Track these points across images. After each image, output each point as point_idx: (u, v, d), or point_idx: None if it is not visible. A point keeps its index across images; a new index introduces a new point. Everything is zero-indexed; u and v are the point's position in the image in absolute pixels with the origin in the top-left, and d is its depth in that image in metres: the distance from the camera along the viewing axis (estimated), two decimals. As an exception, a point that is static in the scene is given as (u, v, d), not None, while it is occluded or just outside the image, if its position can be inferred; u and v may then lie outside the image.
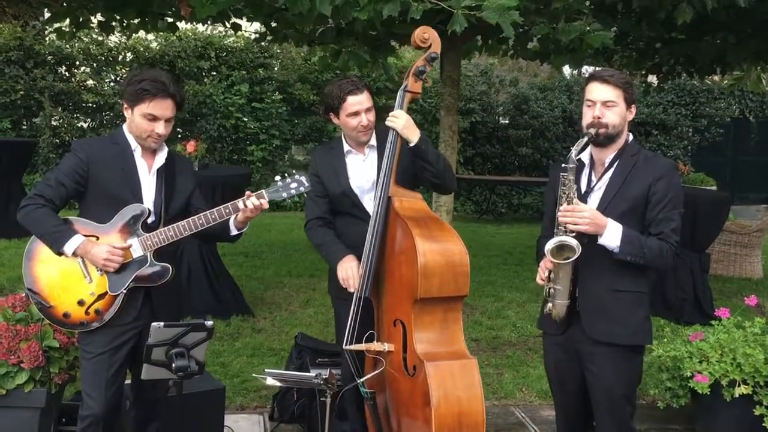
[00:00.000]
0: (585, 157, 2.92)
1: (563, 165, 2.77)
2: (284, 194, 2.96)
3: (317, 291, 6.83)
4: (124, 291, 2.84)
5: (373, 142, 3.37)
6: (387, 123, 3.16)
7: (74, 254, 2.79)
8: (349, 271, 3.16)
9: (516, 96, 13.22)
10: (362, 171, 3.39)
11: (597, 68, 2.97)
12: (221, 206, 2.88)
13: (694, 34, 6.46)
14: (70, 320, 2.86)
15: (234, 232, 3.03)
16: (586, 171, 2.92)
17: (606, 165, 2.86)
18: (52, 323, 2.99)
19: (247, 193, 2.93)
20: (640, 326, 2.86)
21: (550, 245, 2.73)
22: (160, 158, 2.98)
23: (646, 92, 8.98)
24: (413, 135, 3.16)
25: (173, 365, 2.54)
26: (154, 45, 11.69)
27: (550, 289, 2.84)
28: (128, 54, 11.67)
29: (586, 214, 2.70)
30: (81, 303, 2.84)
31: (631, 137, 2.90)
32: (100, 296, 2.84)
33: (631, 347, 2.87)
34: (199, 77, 11.83)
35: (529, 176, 12.95)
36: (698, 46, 6.09)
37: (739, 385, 3.87)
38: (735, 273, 8.45)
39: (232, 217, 2.96)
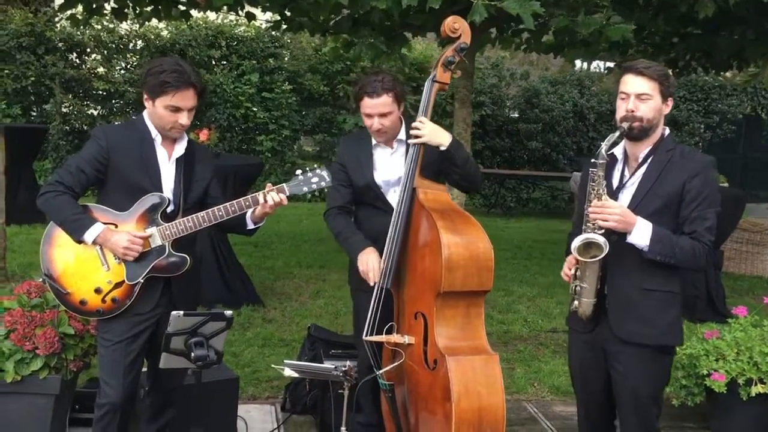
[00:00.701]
0: (618, 151, 2.85)
1: (592, 160, 2.72)
2: (305, 188, 2.92)
3: (327, 282, 6.81)
4: (141, 281, 2.81)
5: (402, 136, 3.33)
6: (411, 141, 3.12)
7: (94, 242, 2.76)
8: (370, 263, 3.12)
9: (527, 89, 13.14)
10: (389, 164, 3.35)
11: (621, 61, 2.87)
12: (241, 198, 2.85)
13: (711, 28, 6.40)
14: (86, 308, 2.84)
15: (251, 226, 3.00)
16: (619, 166, 2.85)
17: (640, 160, 2.78)
18: (69, 310, 2.97)
19: (268, 185, 2.89)
20: (671, 327, 2.79)
21: (576, 243, 2.68)
22: (180, 147, 2.94)
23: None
24: (443, 140, 3.13)
25: (192, 354, 2.51)
26: (164, 33, 11.64)
27: (576, 286, 2.79)
28: (139, 42, 11.61)
29: (616, 211, 2.63)
30: (98, 291, 2.81)
31: (667, 131, 2.81)
32: (117, 285, 2.81)
33: (660, 348, 2.80)
34: (209, 66, 11.77)
35: (538, 170, 12.89)
36: (716, 41, 6.02)
37: (756, 384, 3.84)
38: (746, 271, 8.41)
39: (249, 211, 2.93)
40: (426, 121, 3.14)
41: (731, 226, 6.40)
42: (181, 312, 2.50)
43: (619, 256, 2.72)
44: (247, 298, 5.94)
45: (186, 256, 2.86)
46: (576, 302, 2.81)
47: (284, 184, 2.90)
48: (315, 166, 3.00)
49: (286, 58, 12.36)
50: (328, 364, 2.96)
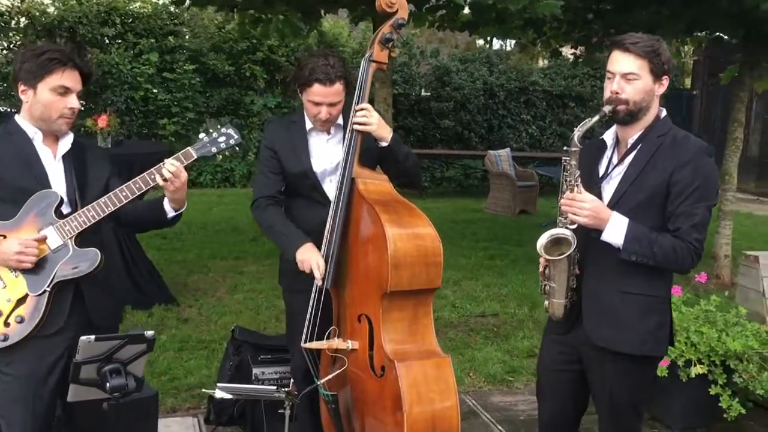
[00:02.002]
0: (609, 136, 2.58)
1: (564, 148, 2.46)
2: (214, 149, 2.60)
3: (245, 275, 6.43)
4: (48, 289, 2.40)
5: (340, 120, 3.03)
6: (356, 128, 2.83)
7: None
8: (314, 260, 2.81)
9: (437, 68, 13.01)
10: (325, 151, 3.05)
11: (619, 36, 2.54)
12: (145, 173, 2.48)
13: (625, 5, 6.38)
14: None
15: (171, 213, 2.62)
16: (608, 153, 2.57)
17: (629, 146, 2.50)
18: None
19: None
20: (651, 335, 2.48)
21: (543, 239, 2.45)
22: (65, 144, 2.55)
23: (574, 64, 8.93)
24: (386, 134, 2.88)
25: (108, 384, 2.14)
26: (51, 10, 10.76)
27: (545, 285, 2.58)
28: (22, 19, 10.69)
29: (587, 205, 2.38)
30: None
31: (663, 113, 2.49)
32: (20, 301, 2.38)
33: (640, 357, 2.50)
34: (103, 45, 10.99)
35: (451, 149, 12.82)
36: (631, 19, 5.99)
37: (695, 365, 3.80)
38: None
39: (166, 199, 2.57)
40: (370, 108, 2.86)
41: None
42: (92, 336, 2.11)
43: (596, 254, 2.48)
44: (159, 297, 5.49)
45: (95, 249, 2.46)
46: (546, 302, 2.60)
47: (189, 148, 2.56)
48: (218, 125, 2.66)
49: (187, 36, 11.69)
50: (268, 386, 2.62)
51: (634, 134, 2.48)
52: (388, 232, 2.66)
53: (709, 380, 3.79)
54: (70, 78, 2.40)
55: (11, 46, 10.72)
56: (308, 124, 3.05)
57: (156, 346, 4.62)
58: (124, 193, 2.44)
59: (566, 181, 2.45)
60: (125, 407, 2.87)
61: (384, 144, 2.88)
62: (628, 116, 2.43)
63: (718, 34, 7.38)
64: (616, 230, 2.39)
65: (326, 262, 2.82)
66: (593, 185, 2.50)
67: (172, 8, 11.59)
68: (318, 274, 2.80)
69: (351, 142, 2.87)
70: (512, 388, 4.43)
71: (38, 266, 2.39)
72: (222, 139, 2.60)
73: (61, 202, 2.43)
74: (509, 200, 10.27)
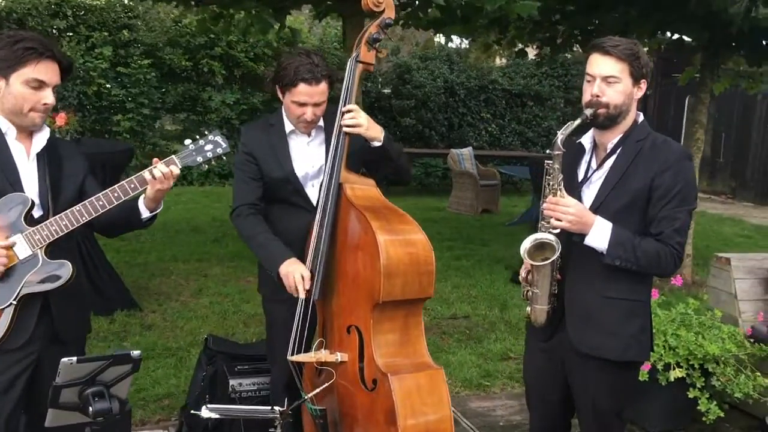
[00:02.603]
0: (587, 140, 2.55)
1: (547, 151, 2.42)
2: (200, 158, 2.44)
3: (209, 278, 6.24)
4: (14, 302, 2.23)
5: (321, 122, 2.92)
6: (346, 130, 2.72)
7: None
8: (297, 273, 2.69)
9: (398, 65, 12.93)
10: (307, 154, 2.94)
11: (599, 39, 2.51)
12: (124, 181, 2.32)
13: (591, 6, 6.39)
14: None
15: (146, 214, 2.47)
16: (586, 157, 2.54)
17: (608, 151, 2.47)
18: None
19: (155, 160, 2.39)
20: (635, 339, 2.46)
21: (526, 244, 2.39)
22: (40, 140, 2.37)
23: (539, 65, 8.95)
24: (377, 133, 2.77)
25: (90, 409, 1.99)
26: (-2, 0, 10.32)
27: (527, 291, 2.52)
28: (-34, 9, 10.23)
29: (571, 210, 2.34)
30: None
31: (641, 118, 2.49)
32: None
33: (623, 363, 2.49)
34: (53, 39, 10.56)
35: (412, 147, 12.76)
36: (600, 19, 6.01)
37: (674, 369, 3.81)
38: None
39: (142, 198, 2.41)
40: (358, 109, 2.75)
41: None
42: (74, 358, 1.96)
43: (579, 259, 2.45)
44: (120, 302, 5.27)
45: (66, 261, 2.30)
46: (528, 308, 2.54)
47: (173, 156, 2.41)
48: (206, 132, 2.52)
49: (141, 30, 11.34)
50: (261, 406, 2.47)
51: (613, 138, 2.46)
52: (380, 240, 2.56)
53: (687, 383, 3.80)
54: (46, 70, 2.23)
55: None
56: (288, 127, 2.93)
57: (120, 355, 4.48)
58: (100, 202, 2.28)
59: (549, 185, 2.41)
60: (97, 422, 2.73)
61: (377, 144, 2.78)
62: (608, 120, 2.41)
63: (679, 36, 7.49)
64: (599, 235, 2.36)
65: (314, 271, 2.71)
66: (573, 189, 2.46)
67: (126, 0, 11.25)
68: (301, 288, 2.68)
69: (338, 144, 2.76)
70: (489, 392, 4.38)
71: (4, 277, 2.23)
72: (209, 147, 2.44)
73: (32, 206, 2.26)
74: (472, 199, 10.26)
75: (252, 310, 5.43)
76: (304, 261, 2.77)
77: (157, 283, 6.02)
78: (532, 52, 13.88)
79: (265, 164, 2.88)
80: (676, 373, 3.79)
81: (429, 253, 2.68)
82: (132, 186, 2.31)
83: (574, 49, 7.64)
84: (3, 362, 2.27)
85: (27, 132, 2.33)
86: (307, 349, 2.78)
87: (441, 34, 8.39)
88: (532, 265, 2.43)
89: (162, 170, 2.33)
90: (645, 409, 3.98)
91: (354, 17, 5.62)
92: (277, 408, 2.37)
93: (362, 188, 2.81)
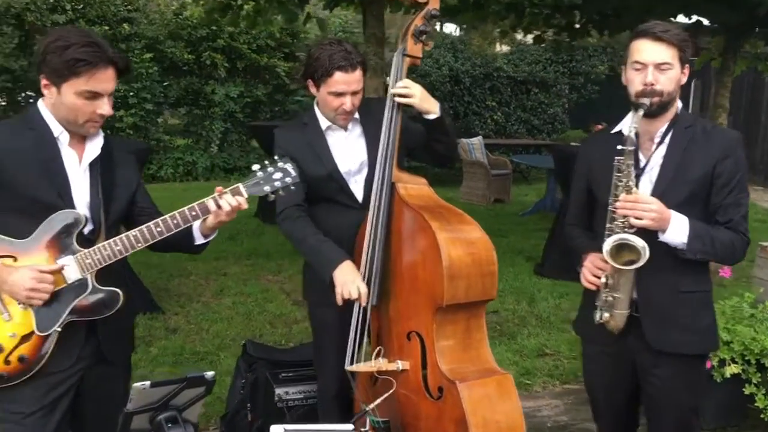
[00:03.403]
0: (626, 129, 2.38)
1: (619, 147, 2.27)
2: (267, 188, 2.25)
3: (228, 276, 6.09)
4: (58, 329, 2.08)
5: (356, 114, 2.78)
6: (398, 100, 2.60)
7: None
8: (353, 286, 2.55)
9: (402, 54, 12.73)
10: (347, 149, 2.80)
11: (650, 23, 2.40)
12: (185, 208, 2.16)
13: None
14: None
15: (200, 240, 2.32)
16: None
17: (656, 141, 2.36)
18: None
19: (218, 189, 2.23)
20: (708, 330, 2.43)
21: (609, 245, 2.25)
22: (94, 146, 2.19)
23: (556, 51, 8.78)
24: (433, 106, 2.66)
25: (163, 436, 1.85)
26: (-5, -5, 10.09)
27: (607, 297, 2.37)
28: (-37, 5, 10.00)
29: (653, 207, 2.21)
30: None
31: (680, 105, 2.40)
32: (25, 338, 2.06)
33: (699, 356, 2.47)
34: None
35: (418, 137, 12.60)
36: (621, 2, 5.84)
37: (729, 365, 3.68)
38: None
39: (197, 222, 2.26)
40: (411, 82, 2.63)
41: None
42: (147, 383, 1.81)
43: (651, 256, 2.28)
44: (142, 305, 5.11)
45: (117, 290, 2.14)
46: (606, 314, 2.38)
47: (240, 185, 2.24)
48: (275, 158, 2.35)
49: (142, 23, 11.13)
50: (344, 425, 2.29)
51: (660, 126, 2.36)
52: (441, 241, 2.43)
53: (742, 379, 3.68)
54: (100, 80, 2.04)
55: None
56: (323, 123, 2.80)
57: (147, 360, 4.35)
58: (158, 229, 2.12)
59: (621, 182, 2.28)
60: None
61: (432, 116, 2.66)
62: (660, 108, 2.31)
63: (697, 19, 7.33)
64: (678, 230, 2.26)
65: (369, 276, 2.57)
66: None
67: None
68: (363, 300, 2.55)
69: (389, 140, 2.63)
70: (531, 391, 4.25)
71: (51, 301, 2.07)
72: (278, 176, 2.25)
73: (86, 222, 2.10)
74: (484, 189, 10.12)
75: (277, 309, 5.29)
76: (356, 262, 2.63)
77: (176, 284, 5.86)
78: (531, 38, 13.75)
79: (306, 164, 2.72)
80: (731, 369, 3.66)
81: (491, 252, 2.55)
82: (193, 214, 2.15)
83: (591, 34, 7.47)
84: (46, 384, 2.12)
85: (79, 137, 2.17)
86: (357, 357, 2.64)
87: (452, 23, 8.16)
88: (617, 268, 2.28)
89: (230, 202, 2.17)
90: (700, 407, 3.85)
91: (373, 4, 5.44)
92: (352, 425, 2.22)
93: (415, 187, 2.69)
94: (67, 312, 2.09)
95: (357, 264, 2.62)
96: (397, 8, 5.62)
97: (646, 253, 2.21)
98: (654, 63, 2.27)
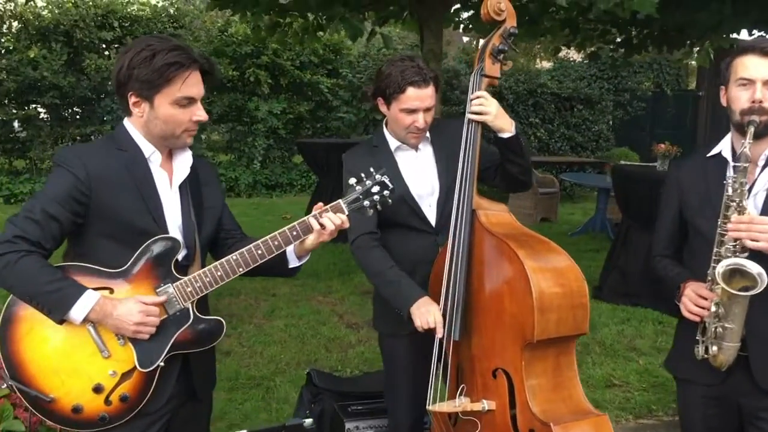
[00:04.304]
0: (726, 151, 2.28)
1: (733, 164, 2.12)
2: (366, 203, 2.12)
3: (279, 297, 5.98)
4: (161, 364, 1.96)
5: (426, 133, 2.66)
6: (473, 117, 2.46)
7: (86, 320, 1.89)
8: (431, 316, 2.41)
9: (446, 70, 12.61)
10: (417, 171, 2.68)
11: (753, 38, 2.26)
12: (285, 228, 2.04)
13: (674, 3, 6.04)
14: (83, 416, 1.93)
15: (294, 263, 2.19)
16: (730, 171, 2.25)
17: (763, 162, 2.21)
18: (56, 423, 1.98)
19: (318, 205, 2.10)
20: None
21: (722, 268, 2.08)
22: (183, 166, 2.07)
23: (612, 67, 8.58)
24: (507, 124, 2.51)
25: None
26: (45, 13, 10.22)
27: (717, 328, 2.18)
28: (14, 23, 10.14)
29: None
30: (98, 389, 1.93)
31: None
32: (126, 375, 1.94)
33: None
34: (101, 50, 10.47)
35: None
36: (695, 17, 5.64)
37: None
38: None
39: (292, 244, 2.12)
40: (488, 95, 2.49)
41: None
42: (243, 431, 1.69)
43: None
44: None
45: (220, 319, 2.05)
46: (713, 348, 2.19)
47: (340, 201, 2.10)
48: (371, 170, 2.20)
49: (188, 40, 11.19)
50: None
51: (766, 148, 2.20)
52: (530, 271, 2.27)
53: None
54: (193, 83, 1.93)
55: (2, 51, 10.16)
56: (392, 144, 2.68)
57: (202, 385, 4.23)
58: (259, 251, 2.00)
59: (734, 202, 2.12)
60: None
61: (507, 135, 2.52)
62: (767, 128, 2.15)
63: (761, 33, 7.09)
64: None
65: (451, 310, 2.42)
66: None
67: (171, 11, 11.13)
68: (439, 329, 2.41)
69: (468, 164, 2.48)
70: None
71: (152, 335, 1.95)
72: (376, 189, 2.11)
73: (181, 247, 1.99)
74: (530, 208, 9.91)
75: (330, 333, 5.15)
76: (433, 293, 2.49)
77: (226, 304, 5.77)
78: (574, 54, 13.51)
79: None
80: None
81: (582, 283, 2.38)
82: (294, 234, 2.03)
83: (649, 50, 7.26)
84: (136, 427, 2.00)
85: (168, 154, 2.06)
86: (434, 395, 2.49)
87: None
88: (730, 295, 2.10)
89: (333, 219, 2.04)
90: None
91: (429, 21, 5.33)
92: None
93: (496, 214, 2.53)
94: (170, 344, 1.97)
95: (435, 296, 2.48)
96: (449, 23, 5.49)
97: (763, 279, 2.03)
98: (763, 79, 2.14)
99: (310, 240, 2.08)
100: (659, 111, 15.01)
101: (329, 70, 12.04)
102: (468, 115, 2.49)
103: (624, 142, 13.77)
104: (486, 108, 2.46)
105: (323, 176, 8.34)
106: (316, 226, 2.03)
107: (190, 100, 1.94)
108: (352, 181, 2.12)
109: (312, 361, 4.67)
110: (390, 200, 2.12)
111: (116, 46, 10.61)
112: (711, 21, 5.52)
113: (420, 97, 2.52)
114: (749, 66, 2.17)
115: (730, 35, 7.09)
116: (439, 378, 2.48)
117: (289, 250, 2.13)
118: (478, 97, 2.47)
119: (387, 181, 2.12)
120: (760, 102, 2.13)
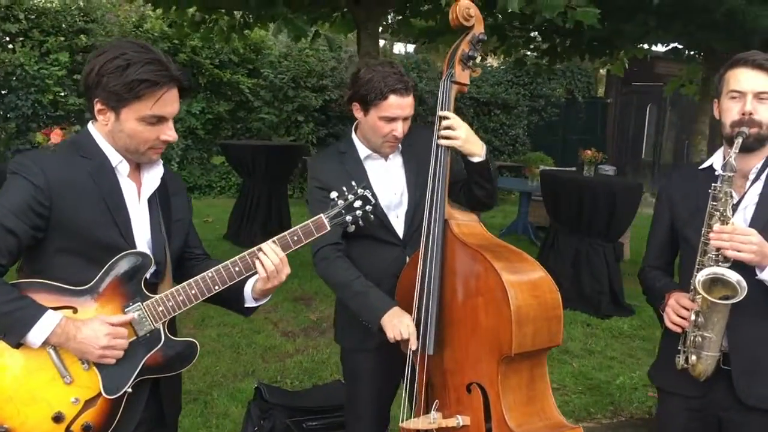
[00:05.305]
0: (717, 163, 2.29)
1: (719, 173, 2.13)
2: (349, 218, 2.05)
3: (210, 306, 5.71)
4: (129, 390, 1.80)
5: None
6: (441, 143, 2.37)
7: (45, 344, 1.70)
8: (404, 325, 2.34)
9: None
10: (387, 180, 2.60)
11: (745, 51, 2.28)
12: (245, 253, 1.92)
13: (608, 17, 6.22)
14: None
15: (250, 303, 2.06)
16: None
17: (752, 177, 2.23)
18: None
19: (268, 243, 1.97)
20: None
21: (702, 276, 2.09)
22: (153, 177, 1.92)
23: (537, 73, 8.77)
24: (477, 148, 2.44)
25: None
26: (-58, 1, 9.51)
27: (696, 337, 2.20)
28: None
29: (754, 239, 2.06)
30: (59, 419, 1.74)
31: None
32: (89, 402, 1.77)
33: None
34: (4, 43, 9.82)
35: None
36: (617, 28, 5.82)
37: None
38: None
39: (250, 283, 2.01)
40: (457, 118, 2.41)
41: (630, 217, 6.31)
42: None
43: (744, 298, 2.12)
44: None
45: (193, 341, 1.90)
46: (693, 357, 2.19)
47: (322, 215, 2.01)
48: (353, 185, 2.11)
49: (100, 35, 10.65)
50: None
51: (756, 162, 2.22)
52: (508, 284, 2.22)
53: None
54: (166, 102, 1.78)
55: None
56: (362, 152, 2.59)
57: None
58: (237, 268, 1.89)
59: (718, 211, 2.13)
60: None
61: (477, 159, 2.45)
62: (757, 142, 2.18)
63: (674, 46, 7.42)
64: None
65: (426, 321, 2.35)
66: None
67: (81, 3, 10.58)
68: (413, 340, 2.33)
69: (440, 168, 2.41)
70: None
71: (119, 358, 1.79)
72: (358, 204, 2.03)
73: (150, 263, 1.83)
74: (454, 211, 9.98)
75: (266, 341, 4.99)
76: (402, 307, 2.41)
77: (152, 314, 5.49)
78: (492, 59, 13.77)
79: None
80: None
81: (555, 294, 2.34)
82: (295, 239, 1.96)
83: (571, 58, 7.46)
84: None
85: (135, 165, 1.90)
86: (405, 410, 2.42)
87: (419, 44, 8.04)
88: (710, 304, 2.11)
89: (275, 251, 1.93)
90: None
91: (367, 23, 5.25)
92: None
93: (468, 224, 2.47)
94: (138, 369, 1.81)
95: (406, 308, 2.41)
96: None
97: (743, 287, 2.05)
98: (753, 92, 2.15)
99: (272, 284, 1.96)
100: (571, 117, 15.51)
101: (250, 70, 11.77)
102: (437, 141, 2.38)
103: (539, 147, 14.14)
104: (455, 133, 2.37)
105: (249, 178, 8.13)
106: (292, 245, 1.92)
107: (159, 119, 1.79)
108: (334, 194, 2.02)
109: (249, 372, 4.51)
110: (372, 215, 2.03)
111: (21, 39, 9.97)
112: (637, 32, 5.70)
113: (401, 105, 2.44)
114: (740, 78, 2.18)
115: (652, 47, 7.39)
116: (414, 393, 2.40)
117: (247, 289, 2.01)
118: (446, 118, 2.38)
119: (369, 195, 2.03)
120: (750, 114, 2.15)
